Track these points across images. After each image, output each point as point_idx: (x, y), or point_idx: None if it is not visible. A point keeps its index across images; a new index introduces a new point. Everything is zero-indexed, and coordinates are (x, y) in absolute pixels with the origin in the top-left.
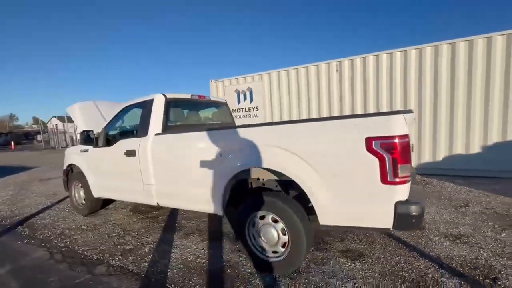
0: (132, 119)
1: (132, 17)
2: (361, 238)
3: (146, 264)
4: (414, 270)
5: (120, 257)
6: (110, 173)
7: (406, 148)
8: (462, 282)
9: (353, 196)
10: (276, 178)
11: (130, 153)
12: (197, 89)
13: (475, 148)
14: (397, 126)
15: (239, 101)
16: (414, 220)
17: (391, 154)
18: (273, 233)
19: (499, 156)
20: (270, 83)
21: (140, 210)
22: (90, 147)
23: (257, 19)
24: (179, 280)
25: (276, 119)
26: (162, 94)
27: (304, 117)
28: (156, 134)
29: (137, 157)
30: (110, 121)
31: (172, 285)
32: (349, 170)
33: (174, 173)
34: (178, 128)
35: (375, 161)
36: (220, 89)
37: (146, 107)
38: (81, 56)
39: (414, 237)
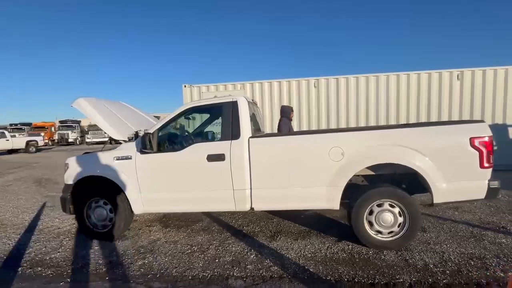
0: (193, 122)
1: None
2: None
3: (274, 268)
4: (463, 231)
5: (237, 269)
6: (178, 182)
7: (492, 144)
8: (493, 231)
9: (460, 179)
10: (372, 173)
11: (216, 158)
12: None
13: None
14: (487, 130)
15: None
16: (497, 191)
17: (485, 148)
18: (390, 217)
19: None
20: (253, 93)
21: (175, 224)
22: (133, 153)
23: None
24: (329, 272)
25: None
26: (243, 96)
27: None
28: (252, 137)
29: (227, 162)
30: (166, 123)
31: (328, 277)
32: (457, 160)
33: (283, 176)
34: (255, 131)
35: (476, 153)
36: (196, 95)
37: (225, 109)
38: None
39: (435, 212)
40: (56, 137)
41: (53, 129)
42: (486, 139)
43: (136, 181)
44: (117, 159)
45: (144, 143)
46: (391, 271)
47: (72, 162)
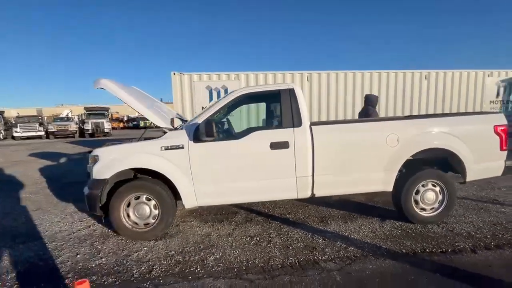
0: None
1: None
2: None
3: (351, 248)
4: (470, 205)
5: (318, 253)
6: (239, 171)
7: (508, 131)
8: (491, 203)
9: (486, 159)
10: (410, 157)
11: (281, 146)
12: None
13: None
14: (504, 119)
15: (211, 98)
16: (510, 169)
17: (504, 134)
18: (433, 195)
19: None
20: (247, 85)
21: (212, 218)
22: (185, 142)
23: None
24: (401, 247)
25: (253, 118)
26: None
27: None
28: (312, 124)
29: (291, 149)
30: (217, 110)
31: (403, 250)
32: (485, 144)
33: (344, 161)
34: None
35: (498, 138)
36: (186, 84)
37: (284, 96)
38: None
39: None
40: None
41: None
42: (505, 126)
43: (189, 172)
44: (165, 149)
45: (210, 131)
46: (448, 241)
47: (104, 154)
